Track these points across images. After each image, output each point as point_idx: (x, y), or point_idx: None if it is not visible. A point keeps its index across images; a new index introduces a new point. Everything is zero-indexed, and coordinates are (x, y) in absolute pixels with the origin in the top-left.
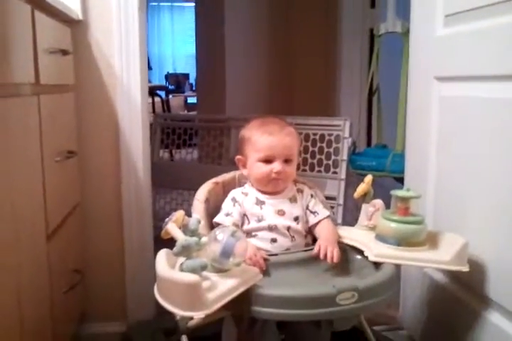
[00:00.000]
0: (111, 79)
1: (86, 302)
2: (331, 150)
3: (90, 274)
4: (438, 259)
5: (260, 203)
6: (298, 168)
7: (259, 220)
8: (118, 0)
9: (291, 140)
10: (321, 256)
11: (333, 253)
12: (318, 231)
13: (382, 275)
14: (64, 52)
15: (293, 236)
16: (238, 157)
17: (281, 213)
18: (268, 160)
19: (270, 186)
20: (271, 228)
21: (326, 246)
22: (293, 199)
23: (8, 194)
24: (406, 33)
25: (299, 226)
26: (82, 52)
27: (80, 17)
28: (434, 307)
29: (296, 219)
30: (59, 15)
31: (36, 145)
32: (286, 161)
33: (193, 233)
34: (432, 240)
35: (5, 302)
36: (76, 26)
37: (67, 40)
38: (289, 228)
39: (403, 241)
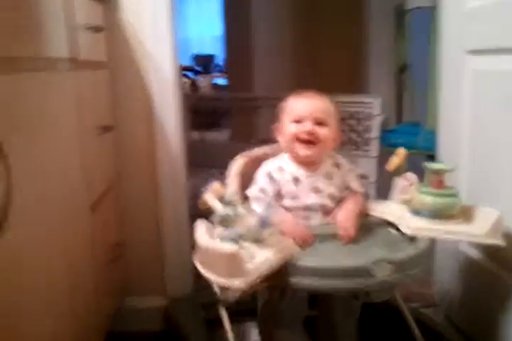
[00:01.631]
0: (143, 57)
1: (127, 276)
2: (362, 127)
3: (130, 248)
4: (473, 232)
5: (296, 180)
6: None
7: (294, 198)
8: None
9: (324, 105)
10: (339, 235)
11: (350, 235)
12: (343, 204)
13: (417, 247)
14: (97, 29)
15: (326, 213)
16: (275, 125)
17: (316, 190)
18: (299, 121)
19: (302, 152)
20: (305, 207)
21: (342, 225)
22: (329, 176)
23: (52, 166)
24: (434, 7)
25: (333, 205)
26: (114, 30)
27: None
28: (469, 284)
29: (331, 196)
30: None
31: (75, 119)
32: (319, 124)
33: (230, 203)
34: (466, 214)
35: (54, 272)
36: (108, 4)
37: (100, 17)
38: (323, 206)
39: (438, 214)
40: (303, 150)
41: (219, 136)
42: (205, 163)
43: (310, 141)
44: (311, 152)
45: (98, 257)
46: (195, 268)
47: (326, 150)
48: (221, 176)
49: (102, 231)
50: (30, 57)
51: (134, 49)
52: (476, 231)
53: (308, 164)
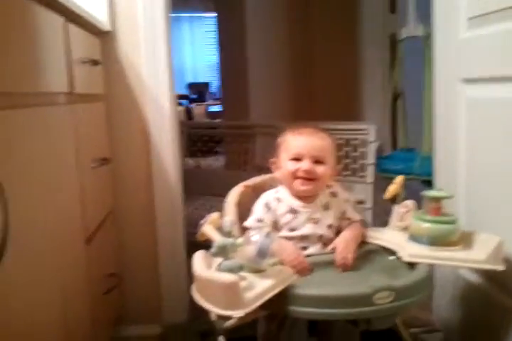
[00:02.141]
0: (139, 88)
1: (123, 305)
2: (358, 154)
3: (126, 278)
4: (473, 259)
5: (293, 211)
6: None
7: (292, 230)
8: (144, 11)
9: (323, 143)
10: (338, 264)
11: (347, 261)
12: (341, 233)
13: (417, 274)
14: (94, 62)
15: (324, 243)
16: (272, 160)
17: (314, 221)
18: (297, 159)
19: (299, 188)
20: (303, 237)
21: (341, 251)
22: (327, 206)
23: (49, 199)
24: (427, 36)
25: (331, 234)
26: (111, 63)
27: (109, 28)
28: (469, 309)
29: (329, 226)
30: (88, 27)
31: (73, 152)
32: (317, 162)
33: (228, 234)
34: (466, 240)
35: (50, 304)
36: (105, 37)
37: (97, 51)
38: (321, 236)
39: (437, 241)
40: (301, 186)
41: (214, 163)
42: (200, 191)
43: (308, 179)
44: (308, 188)
45: (93, 288)
46: (191, 296)
47: (322, 185)
48: (217, 204)
49: (97, 263)
50: (28, 93)
51: (131, 81)
52: (476, 257)
53: (306, 197)
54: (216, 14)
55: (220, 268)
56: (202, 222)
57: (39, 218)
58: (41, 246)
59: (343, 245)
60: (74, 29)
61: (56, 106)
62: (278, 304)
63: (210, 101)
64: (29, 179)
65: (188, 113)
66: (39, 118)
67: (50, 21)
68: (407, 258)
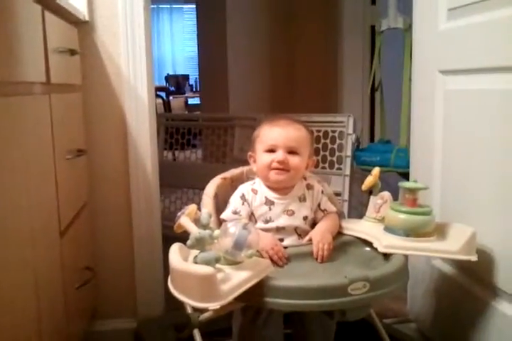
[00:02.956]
0: (118, 79)
1: (97, 299)
2: (335, 146)
3: (101, 271)
4: (447, 249)
5: (269, 203)
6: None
7: (267, 221)
8: (124, 1)
9: (298, 133)
10: (314, 254)
11: (324, 252)
12: (317, 224)
13: (392, 265)
14: (72, 52)
15: (300, 235)
16: (249, 153)
17: (290, 213)
18: (272, 150)
19: (273, 177)
20: (279, 229)
21: (317, 242)
22: (302, 198)
23: (23, 190)
24: (407, 28)
25: (307, 226)
26: (89, 53)
27: (87, 18)
28: (442, 299)
29: (305, 218)
30: (66, 16)
31: (48, 143)
32: (292, 153)
33: (205, 227)
34: (440, 231)
35: (24, 298)
36: (83, 27)
37: (75, 41)
38: (296, 228)
39: (412, 232)
40: (275, 176)
41: (192, 156)
42: (178, 183)
43: (282, 169)
44: (282, 178)
45: (67, 282)
46: (167, 289)
47: (298, 176)
48: (194, 197)
49: (71, 256)
50: (2, 81)
51: (109, 71)
52: (450, 247)
53: (281, 188)
54: (196, 5)
55: (197, 261)
56: (179, 213)
57: (11, 209)
58: (13, 238)
59: (319, 236)
60: (51, 17)
61: (32, 95)
62: (254, 296)
63: (188, 94)
64: (2, 169)
65: (167, 105)
66: (13, 108)
67: (28, 9)
68: (382, 249)
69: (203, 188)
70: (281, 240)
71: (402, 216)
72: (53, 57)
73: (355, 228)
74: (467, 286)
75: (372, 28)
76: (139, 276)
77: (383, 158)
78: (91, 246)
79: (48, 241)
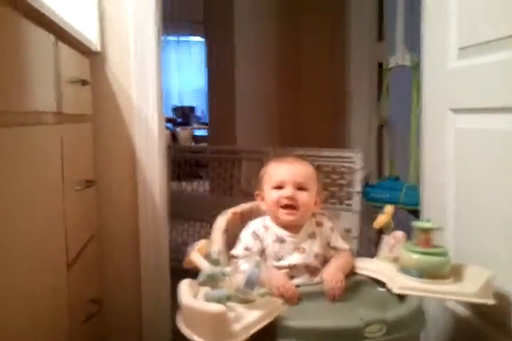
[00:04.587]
0: (128, 110)
1: (104, 332)
2: (344, 182)
3: (107, 304)
4: (463, 292)
5: (280, 241)
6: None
7: (279, 259)
8: (135, 33)
9: (305, 169)
10: (326, 293)
11: (336, 291)
12: (329, 262)
13: (409, 307)
14: (83, 83)
15: (311, 272)
16: (257, 192)
17: (301, 251)
18: (280, 187)
19: (283, 218)
20: (290, 267)
21: (329, 281)
22: (312, 235)
23: (32, 221)
24: (415, 66)
25: (318, 264)
26: (100, 83)
27: (98, 49)
28: None
29: (316, 256)
30: (78, 47)
31: (58, 174)
32: (300, 189)
33: (216, 263)
34: (456, 273)
35: (28, 329)
36: (94, 57)
37: (86, 71)
38: (308, 266)
39: (426, 273)
40: (285, 216)
41: (199, 188)
42: (184, 215)
43: (291, 206)
44: (292, 218)
45: (74, 314)
46: (174, 325)
47: (307, 214)
48: (201, 229)
49: (78, 288)
50: (14, 111)
51: (119, 102)
52: (467, 290)
53: (292, 226)
54: (205, 38)
55: (207, 298)
56: (189, 249)
57: (18, 240)
58: (20, 271)
59: (331, 275)
60: (64, 48)
61: (43, 125)
62: (266, 336)
63: (195, 125)
64: (11, 199)
65: (174, 136)
66: (25, 138)
67: (41, 39)
68: (396, 290)
69: (209, 220)
70: (292, 278)
71: (416, 256)
72: (65, 87)
73: (368, 267)
74: (483, 330)
75: (380, 64)
76: (146, 308)
77: (393, 195)
78: (98, 278)
79: (55, 273)
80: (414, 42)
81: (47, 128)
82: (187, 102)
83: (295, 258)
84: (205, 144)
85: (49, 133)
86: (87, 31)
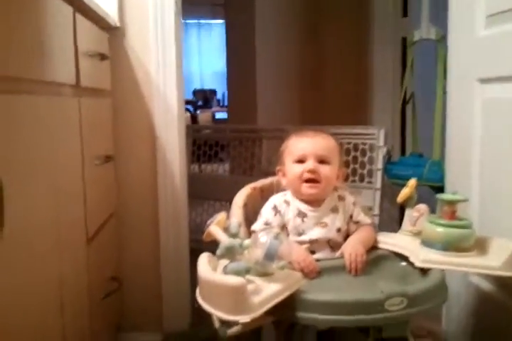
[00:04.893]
0: (147, 86)
1: (122, 311)
2: (366, 159)
3: (126, 283)
4: (488, 265)
5: (302, 215)
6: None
7: (300, 234)
8: (155, 8)
9: (326, 142)
10: (347, 266)
11: (357, 264)
12: (350, 237)
13: (431, 280)
14: (102, 57)
15: (332, 247)
16: (278, 167)
17: (323, 225)
18: (301, 161)
19: (306, 191)
20: (311, 242)
21: (349, 255)
22: (335, 209)
23: (51, 194)
24: (440, 39)
25: (340, 238)
26: (119, 59)
27: (118, 24)
28: (481, 319)
29: (338, 230)
30: (97, 21)
31: (77, 147)
32: (322, 162)
33: (234, 236)
34: (480, 246)
35: (48, 306)
36: (113, 32)
37: (105, 45)
38: (329, 240)
39: (451, 246)
40: (307, 190)
41: (219, 168)
42: (204, 195)
43: (313, 180)
44: (314, 191)
45: (93, 291)
46: (194, 302)
47: (329, 187)
48: (221, 209)
49: (98, 265)
50: (33, 79)
51: (139, 78)
52: (492, 263)
53: (313, 200)
54: (225, 20)
55: (226, 271)
56: (208, 222)
57: (39, 215)
58: (40, 245)
59: (352, 248)
60: (82, 20)
61: (62, 97)
62: (286, 310)
63: (216, 108)
64: (30, 173)
65: (194, 119)
66: (43, 108)
67: (59, 9)
68: (419, 264)
69: (230, 200)
70: (313, 253)
71: (441, 229)
72: (83, 60)
73: (390, 241)
74: (508, 304)
75: (404, 39)
76: (166, 288)
77: (416, 171)
78: (117, 255)
79: (74, 248)
80: (438, 17)
81: (65, 100)
82: (208, 85)
83: (316, 233)
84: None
85: (67, 106)
86: (107, 6)
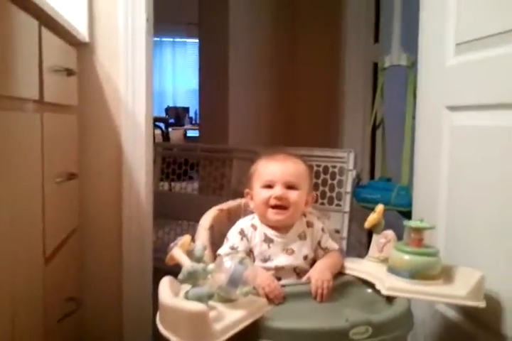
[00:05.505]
0: (115, 104)
1: (82, 329)
2: (335, 182)
3: (87, 301)
4: (454, 294)
5: (268, 241)
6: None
7: (266, 260)
8: (126, 25)
9: (296, 167)
10: (313, 292)
11: (323, 290)
12: (317, 262)
13: (396, 309)
14: (69, 72)
15: (298, 274)
16: (246, 190)
17: (289, 252)
18: (270, 186)
19: (272, 218)
20: (277, 269)
21: (316, 280)
22: (303, 236)
23: (8, 212)
24: (411, 66)
25: (307, 266)
26: (87, 75)
27: (87, 39)
28: None
29: (305, 257)
30: (65, 36)
31: (37, 164)
32: (291, 188)
33: (199, 260)
34: (446, 274)
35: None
36: (82, 48)
37: (73, 61)
38: (296, 268)
39: (417, 274)
40: (273, 216)
41: (188, 187)
42: (173, 215)
43: (280, 206)
44: (281, 217)
45: (48, 314)
46: (156, 327)
47: (297, 213)
48: (189, 228)
49: (55, 285)
50: None
51: (107, 95)
52: (458, 292)
53: (281, 226)
54: (199, 39)
55: (188, 296)
56: (172, 244)
57: None
58: None
59: (319, 274)
60: (49, 35)
61: (23, 112)
62: (248, 337)
63: (188, 126)
64: None
65: (165, 136)
66: (3, 123)
67: (24, 23)
68: (385, 292)
69: (197, 220)
70: (279, 279)
71: (407, 257)
72: (48, 76)
73: (356, 268)
74: (473, 333)
75: (375, 65)
76: (127, 310)
77: (384, 195)
78: (77, 274)
79: (30, 268)
80: (409, 44)
81: (27, 116)
82: (181, 103)
83: (283, 260)
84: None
85: (29, 121)
86: (77, 22)
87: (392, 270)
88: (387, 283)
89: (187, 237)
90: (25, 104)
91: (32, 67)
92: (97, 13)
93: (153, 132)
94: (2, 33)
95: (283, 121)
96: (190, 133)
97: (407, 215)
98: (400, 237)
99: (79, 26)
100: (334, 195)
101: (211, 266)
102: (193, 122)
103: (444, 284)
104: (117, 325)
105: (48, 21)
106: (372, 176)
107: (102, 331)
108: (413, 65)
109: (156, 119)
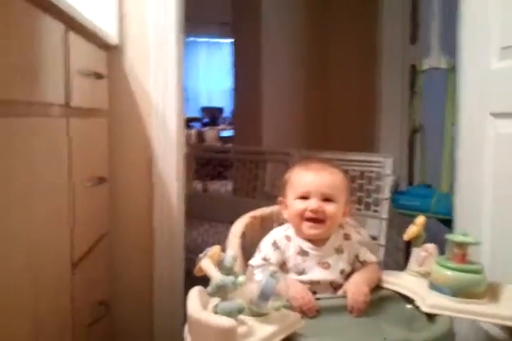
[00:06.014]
0: (146, 107)
1: (111, 334)
2: (372, 187)
3: (116, 307)
4: (499, 314)
5: (303, 253)
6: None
7: (300, 273)
8: (155, 26)
9: (333, 179)
10: (349, 307)
11: (359, 305)
12: (353, 275)
13: (438, 329)
14: (98, 76)
15: (335, 289)
16: (280, 199)
17: (325, 266)
18: (305, 197)
19: (307, 232)
20: (312, 283)
21: (352, 294)
22: (339, 250)
23: (32, 217)
24: (451, 69)
25: (343, 280)
26: (117, 78)
27: (116, 42)
28: None
29: (342, 272)
30: (94, 39)
31: (64, 169)
32: (327, 200)
33: (229, 271)
34: (491, 292)
35: (24, 335)
36: (112, 51)
37: (102, 64)
38: (332, 282)
39: (460, 291)
40: (308, 230)
41: (222, 188)
42: (206, 215)
43: (316, 219)
44: (317, 231)
45: (77, 318)
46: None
47: (334, 226)
48: (223, 229)
49: (84, 289)
50: (23, 101)
51: (137, 98)
52: (503, 312)
53: (316, 239)
54: (232, 40)
55: (217, 311)
56: (201, 255)
57: (18, 236)
58: (18, 270)
59: (355, 288)
60: (76, 38)
61: (50, 117)
62: None
63: (222, 126)
64: (11, 193)
65: (200, 136)
66: (28, 129)
67: (50, 27)
68: (426, 309)
69: (230, 222)
70: (314, 293)
71: (450, 273)
72: (76, 80)
73: (395, 282)
74: None
75: (413, 67)
76: (158, 314)
77: (423, 202)
78: (107, 279)
79: (56, 273)
80: (449, 46)
81: (54, 121)
82: (215, 103)
83: (318, 274)
84: (231, 145)
85: (55, 126)
86: (106, 24)
87: (434, 286)
88: (429, 300)
89: (216, 248)
90: (51, 109)
91: (58, 72)
92: (126, 15)
93: (188, 133)
94: (27, 38)
95: (317, 123)
96: (225, 133)
97: (447, 223)
98: (440, 247)
99: (108, 29)
100: (371, 200)
101: (241, 279)
102: (227, 122)
103: (488, 303)
104: (148, 330)
105: (74, 25)
106: (410, 183)
107: (132, 336)
108: (453, 69)
109: (191, 119)
